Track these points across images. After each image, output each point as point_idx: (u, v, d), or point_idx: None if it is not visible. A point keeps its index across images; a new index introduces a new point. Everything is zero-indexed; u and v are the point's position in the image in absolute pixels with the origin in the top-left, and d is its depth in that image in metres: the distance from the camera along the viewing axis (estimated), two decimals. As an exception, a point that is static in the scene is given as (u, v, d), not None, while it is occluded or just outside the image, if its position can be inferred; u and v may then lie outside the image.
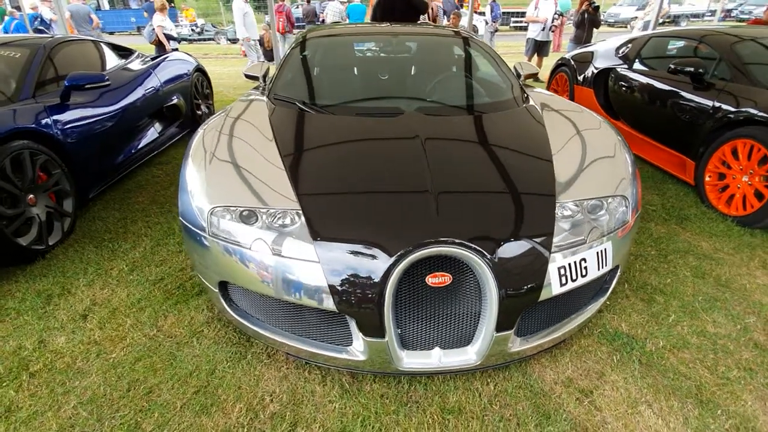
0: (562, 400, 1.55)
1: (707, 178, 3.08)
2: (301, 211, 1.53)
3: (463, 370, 1.52)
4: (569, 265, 1.50)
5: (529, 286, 1.44)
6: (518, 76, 2.72)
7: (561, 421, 1.47)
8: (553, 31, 7.25)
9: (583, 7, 6.77)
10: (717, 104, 3.05)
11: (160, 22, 6.64)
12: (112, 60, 3.62)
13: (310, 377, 1.63)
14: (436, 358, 1.47)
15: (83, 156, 2.73)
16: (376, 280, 1.37)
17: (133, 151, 3.41)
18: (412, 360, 1.47)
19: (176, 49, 6.14)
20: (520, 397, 1.56)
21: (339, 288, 1.41)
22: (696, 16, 20.73)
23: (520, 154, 1.85)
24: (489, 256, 1.39)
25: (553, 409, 1.51)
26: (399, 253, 1.36)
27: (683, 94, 3.37)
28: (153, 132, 3.79)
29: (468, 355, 1.48)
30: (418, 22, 5.17)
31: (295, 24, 10.95)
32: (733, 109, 2.93)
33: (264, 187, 1.67)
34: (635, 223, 1.76)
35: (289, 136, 1.97)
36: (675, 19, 19.69)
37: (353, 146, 1.94)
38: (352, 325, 1.46)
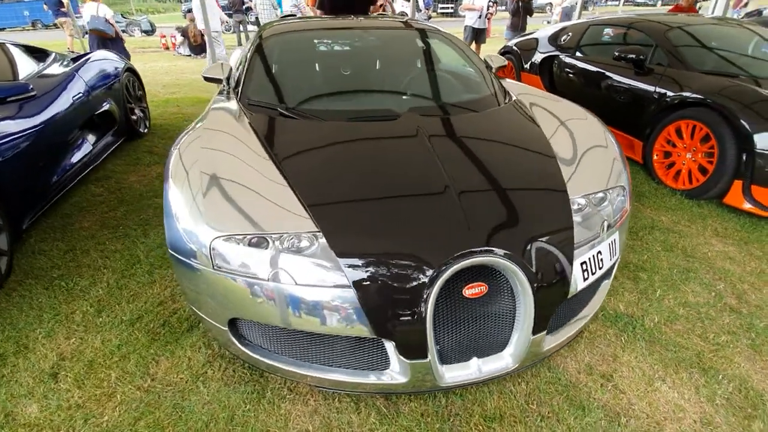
0: (589, 388, 1.61)
1: (655, 157, 3.37)
2: (319, 231, 1.40)
3: (501, 376, 1.51)
4: (589, 259, 1.54)
5: (559, 285, 1.45)
6: (489, 69, 2.74)
7: (594, 410, 1.52)
8: (488, 19, 7.47)
9: (519, -5, 7.07)
10: (659, 89, 3.33)
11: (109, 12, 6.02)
12: (28, 64, 3.07)
13: (342, 407, 1.53)
14: (476, 368, 1.44)
15: (12, 180, 2.30)
16: (417, 298, 1.30)
17: (67, 167, 2.95)
18: (453, 374, 1.43)
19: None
20: (552, 392, 1.59)
21: (374, 311, 1.32)
22: (599, -1, 22.64)
23: (525, 151, 1.86)
24: (523, 261, 1.37)
25: (585, 399, 1.56)
26: (439, 266, 1.30)
27: (627, 79, 3.63)
28: (86, 144, 3.31)
29: (505, 361, 1.47)
30: (379, 13, 5.03)
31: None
32: (672, 93, 3.21)
33: (270, 207, 1.50)
34: (630, 209, 1.86)
35: (282, 148, 1.79)
36: (584, 4, 21.32)
37: (355, 154, 1.82)
38: (390, 348, 1.38)
